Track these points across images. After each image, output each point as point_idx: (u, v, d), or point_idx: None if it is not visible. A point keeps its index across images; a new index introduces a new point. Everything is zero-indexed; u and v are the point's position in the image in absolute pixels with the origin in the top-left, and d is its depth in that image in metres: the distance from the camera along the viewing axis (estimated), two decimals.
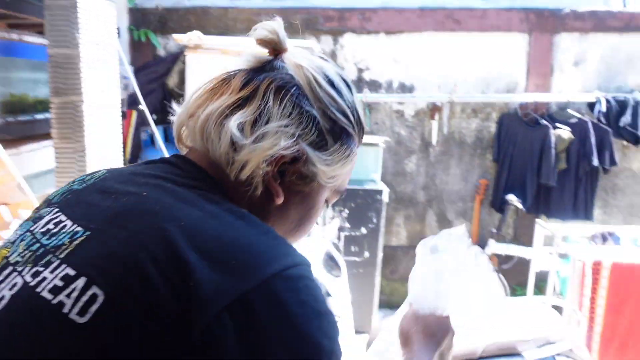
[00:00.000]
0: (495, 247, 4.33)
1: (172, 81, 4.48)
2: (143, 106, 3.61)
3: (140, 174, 0.70)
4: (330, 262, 2.21)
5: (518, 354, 2.48)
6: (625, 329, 3.41)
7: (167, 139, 4.33)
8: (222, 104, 0.71)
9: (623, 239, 3.76)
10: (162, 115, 4.37)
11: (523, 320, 2.64)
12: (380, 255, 4.05)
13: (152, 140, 3.85)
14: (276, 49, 0.76)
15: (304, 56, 0.75)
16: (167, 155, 3.67)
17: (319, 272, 2.16)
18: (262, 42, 0.76)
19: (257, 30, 0.75)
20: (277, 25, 0.75)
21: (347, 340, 2.41)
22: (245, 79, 0.73)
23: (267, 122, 0.69)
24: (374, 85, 4.53)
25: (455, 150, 4.62)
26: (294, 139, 0.70)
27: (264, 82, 0.72)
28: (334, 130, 0.74)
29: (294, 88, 0.72)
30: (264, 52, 0.76)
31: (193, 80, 3.93)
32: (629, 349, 3.44)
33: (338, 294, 2.16)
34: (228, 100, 0.71)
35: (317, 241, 2.33)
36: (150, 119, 3.67)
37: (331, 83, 0.74)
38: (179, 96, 4.29)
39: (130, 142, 4.33)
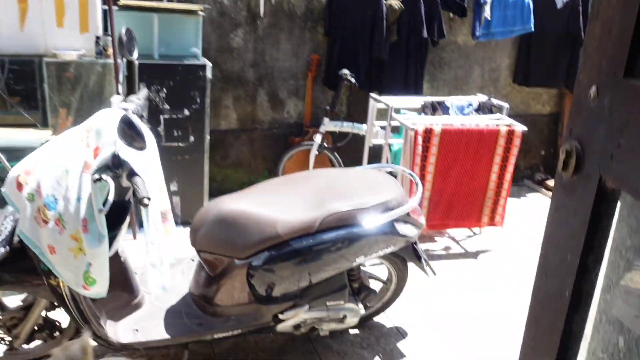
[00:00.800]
0: (329, 125, 4.16)
1: None
2: None
3: None
4: (130, 132, 1.75)
5: (357, 224, 2.33)
6: (451, 191, 3.52)
7: None
8: None
9: (451, 108, 3.79)
10: None
11: (360, 189, 2.48)
12: (207, 139, 3.65)
13: None
14: None
15: None
16: None
17: (118, 147, 1.71)
18: None
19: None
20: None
21: (168, 232, 2.05)
22: None
23: None
24: None
25: (285, 23, 4.22)
26: None
27: None
28: None
29: None
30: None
31: None
32: (454, 209, 3.58)
33: (146, 170, 1.74)
34: None
35: (114, 111, 1.84)
36: None
37: None
38: None
39: None
